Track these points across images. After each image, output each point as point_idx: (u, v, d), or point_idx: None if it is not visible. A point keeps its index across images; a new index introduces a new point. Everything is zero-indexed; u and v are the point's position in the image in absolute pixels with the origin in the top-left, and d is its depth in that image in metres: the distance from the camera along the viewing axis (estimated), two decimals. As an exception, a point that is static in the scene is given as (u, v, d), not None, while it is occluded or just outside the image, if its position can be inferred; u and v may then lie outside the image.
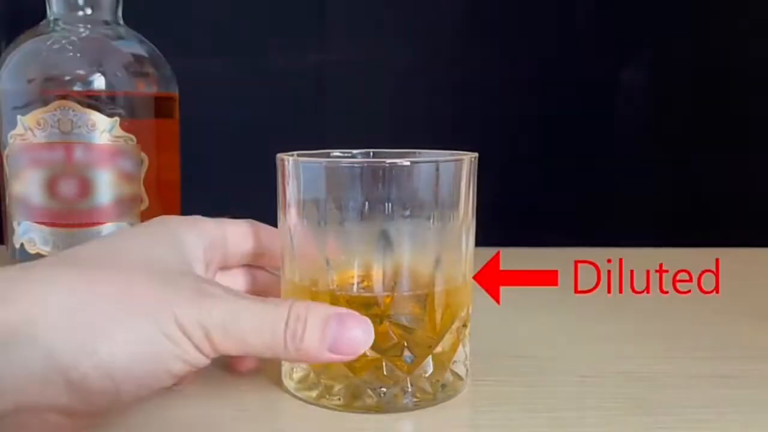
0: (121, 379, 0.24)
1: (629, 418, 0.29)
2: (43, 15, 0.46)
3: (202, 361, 0.26)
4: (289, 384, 0.32)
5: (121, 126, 0.44)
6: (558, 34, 0.64)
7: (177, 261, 0.29)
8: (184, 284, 0.26)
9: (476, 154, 0.31)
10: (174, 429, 0.29)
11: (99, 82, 0.44)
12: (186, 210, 0.52)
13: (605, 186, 0.64)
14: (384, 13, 0.64)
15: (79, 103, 0.43)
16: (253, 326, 0.26)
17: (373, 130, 0.62)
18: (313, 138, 0.61)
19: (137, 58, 0.46)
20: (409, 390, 0.30)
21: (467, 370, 0.32)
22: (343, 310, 0.27)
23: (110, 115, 0.44)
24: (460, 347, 0.31)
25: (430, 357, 0.30)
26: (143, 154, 0.45)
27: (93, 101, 0.43)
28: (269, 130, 0.63)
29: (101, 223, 0.44)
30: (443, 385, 0.31)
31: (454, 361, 0.31)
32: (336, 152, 0.34)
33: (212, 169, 0.61)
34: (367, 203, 0.29)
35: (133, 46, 0.46)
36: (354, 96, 0.64)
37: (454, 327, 0.31)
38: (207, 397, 0.31)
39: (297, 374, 0.31)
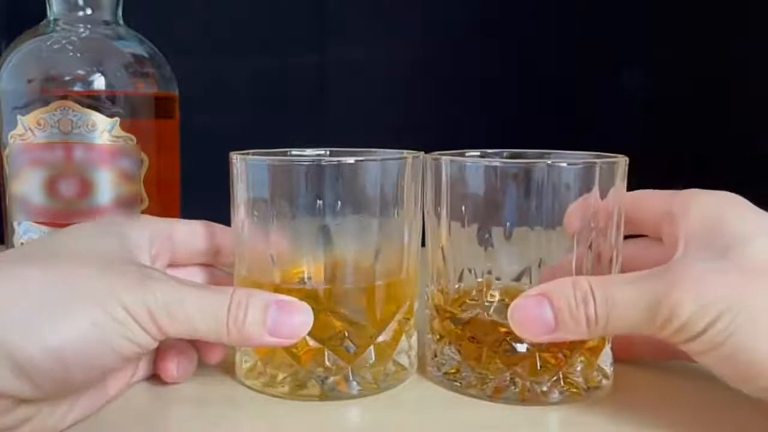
0: (69, 360, 0.24)
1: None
2: (43, 15, 0.46)
3: (150, 342, 0.26)
4: (240, 373, 0.33)
5: (121, 126, 0.44)
6: (558, 34, 0.64)
7: (122, 251, 0.30)
8: (129, 269, 0.27)
9: (421, 154, 0.32)
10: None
11: (99, 82, 0.44)
12: (186, 210, 0.52)
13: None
14: (384, 13, 0.64)
15: (79, 103, 0.43)
16: (196, 310, 0.27)
17: (373, 130, 0.62)
18: (313, 138, 0.61)
19: (137, 58, 0.46)
20: (352, 379, 0.31)
21: (411, 360, 0.33)
22: (284, 297, 0.28)
23: (110, 115, 0.44)
24: (404, 338, 0.32)
25: (372, 347, 0.31)
26: (143, 154, 0.45)
27: (93, 101, 0.43)
28: (269, 130, 0.63)
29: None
30: (386, 375, 0.32)
31: (398, 352, 0.32)
32: (294, 151, 0.35)
33: (212, 169, 0.61)
34: (312, 200, 0.30)
35: (133, 46, 0.47)
36: (354, 96, 0.64)
37: (396, 319, 0.32)
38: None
39: (246, 364, 0.32)
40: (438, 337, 0.32)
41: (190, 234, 0.34)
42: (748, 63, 0.65)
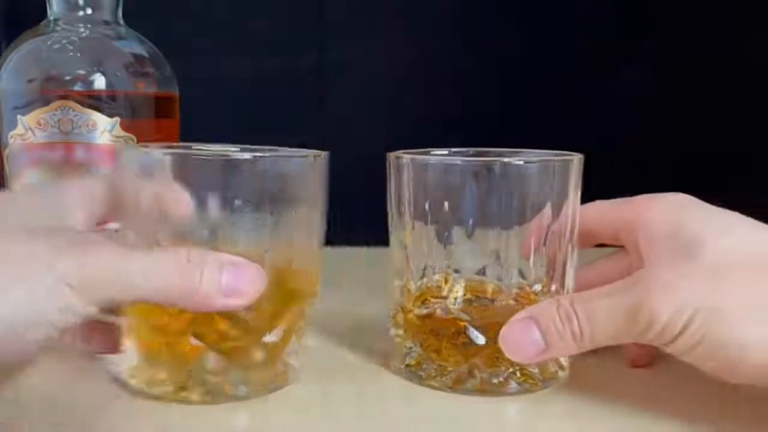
0: (3, 334, 0.24)
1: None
2: (43, 15, 0.46)
3: (86, 311, 0.25)
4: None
5: (122, 126, 0.44)
6: (558, 33, 0.64)
7: (54, 218, 0.29)
8: (62, 236, 0.26)
9: (324, 153, 0.32)
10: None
11: (99, 82, 0.44)
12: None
13: (605, 185, 0.64)
14: (384, 13, 0.64)
15: (80, 103, 0.43)
16: (143, 270, 0.25)
17: (373, 130, 0.62)
18: (313, 138, 0.61)
19: (137, 58, 0.46)
20: (238, 381, 0.30)
21: (299, 362, 0.32)
22: (235, 258, 0.27)
23: (111, 115, 0.44)
24: (294, 339, 0.32)
25: (260, 347, 0.30)
26: (143, 154, 0.45)
27: (93, 101, 0.43)
28: (269, 130, 0.63)
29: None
30: (275, 375, 0.31)
31: (287, 353, 0.32)
32: (196, 146, 0.35)
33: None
34: (204, 196, 0.29)
35: (133, 46, 0.47)
36: (354, 96, 0.64)
37: (286, 319, 0.31)
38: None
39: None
40: (401, 331, 0.33)
41: (107, 189, 0.32)
42: (749, 62, 0.65)
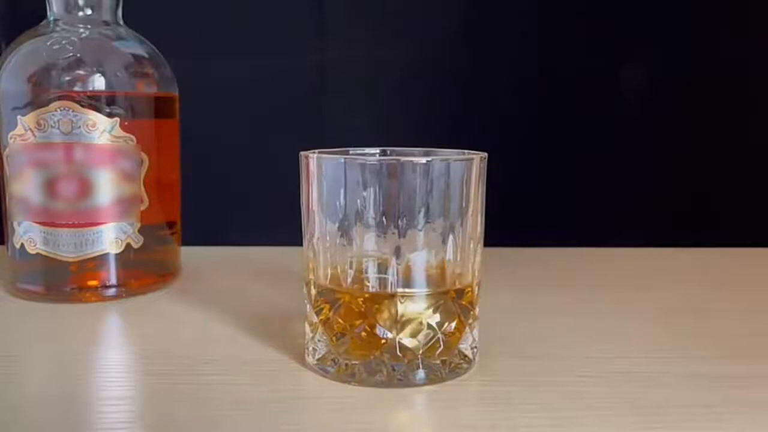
0: None
1: (626, 418, 0.29)
2: (43, 15, 0.46)
3: None
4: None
5: (121, 126, 0.44)
6: (558, 33, 0.64)
7: None
8: None
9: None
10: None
11: (99, 82, 0.44)
12: (186, 210, 0.52)
13: (604, 185, 0.65)
14: (384, 12, 0.64)
15: (79, 103, 0.43)
16: None
17: (373, 129, 0.62)
18: (313, 138, 0.61)
19: (137, 59, 0.46)
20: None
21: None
22: None
23: (110, 116, 0.44)
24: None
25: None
26: (143, 154, 0.45)
27: (93, 101, 0.43)
28: (269, 130, 0.63)
29: (101, 223, 0.44)
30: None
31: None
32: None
33: (212, 169, 0.62)
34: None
35: (133, 46, 0.47)
36: (354, 96, 0.64)
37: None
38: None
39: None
40: (311, 326, 0.34)
41: None
42: (749, 63, 0.65)
